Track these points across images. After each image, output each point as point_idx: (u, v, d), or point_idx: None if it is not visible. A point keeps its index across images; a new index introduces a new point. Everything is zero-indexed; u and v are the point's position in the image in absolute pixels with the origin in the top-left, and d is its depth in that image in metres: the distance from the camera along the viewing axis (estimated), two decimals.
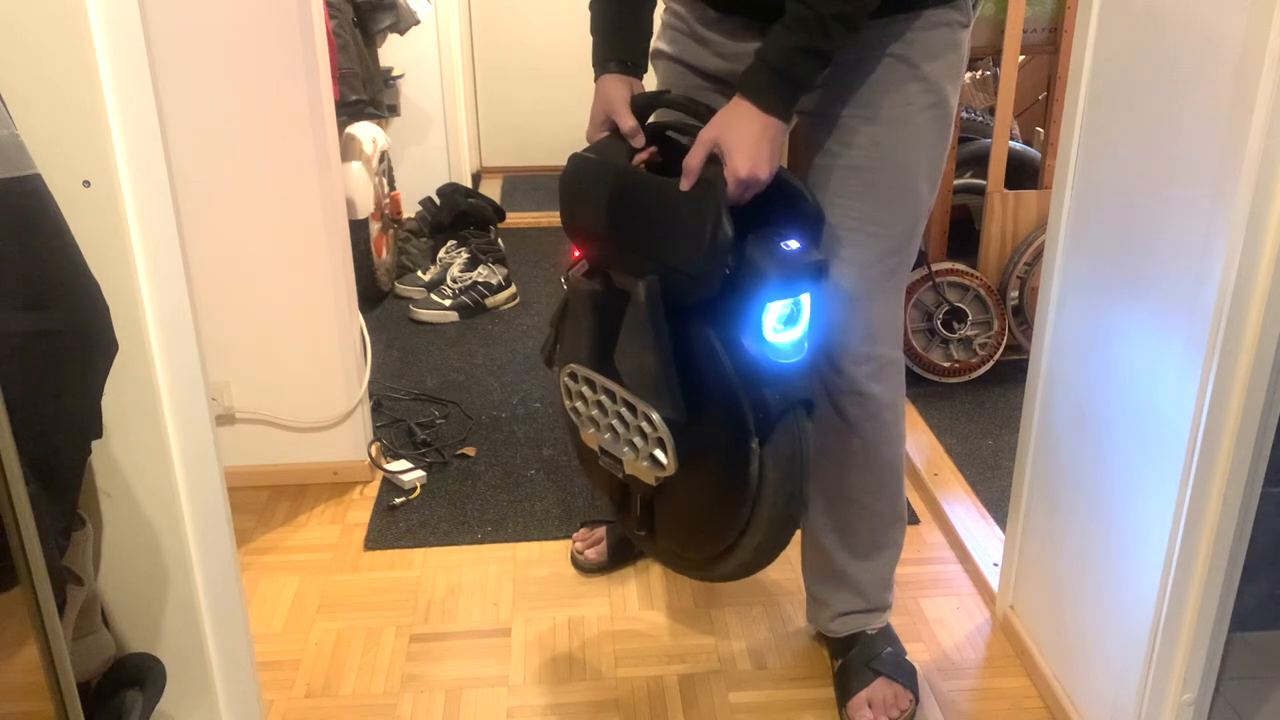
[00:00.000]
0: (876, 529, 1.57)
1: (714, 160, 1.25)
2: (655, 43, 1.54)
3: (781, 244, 1.26)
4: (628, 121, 1.38)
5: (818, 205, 1.34)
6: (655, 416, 1.34)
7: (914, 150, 1.37)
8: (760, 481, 1.33)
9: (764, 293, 1.26)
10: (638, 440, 1.40)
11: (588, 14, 1.46)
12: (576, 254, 1.48)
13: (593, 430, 1.47)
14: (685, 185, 1.27)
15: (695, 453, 1.36)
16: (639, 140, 1.39)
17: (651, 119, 1.43)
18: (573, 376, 1.46)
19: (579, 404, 1.48)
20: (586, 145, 1.44)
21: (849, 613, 1.62)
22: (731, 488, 1.35)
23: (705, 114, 1.30)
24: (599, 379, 1.42)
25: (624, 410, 1.40)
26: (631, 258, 1.35)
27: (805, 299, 1.29)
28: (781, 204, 1.30)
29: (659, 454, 1.37)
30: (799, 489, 1.35)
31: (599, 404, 1.45)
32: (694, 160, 1.25)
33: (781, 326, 1.29)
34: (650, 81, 1.50)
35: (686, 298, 1.29)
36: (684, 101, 1.37)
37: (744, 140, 1.22)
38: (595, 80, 1.43)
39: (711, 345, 1.30)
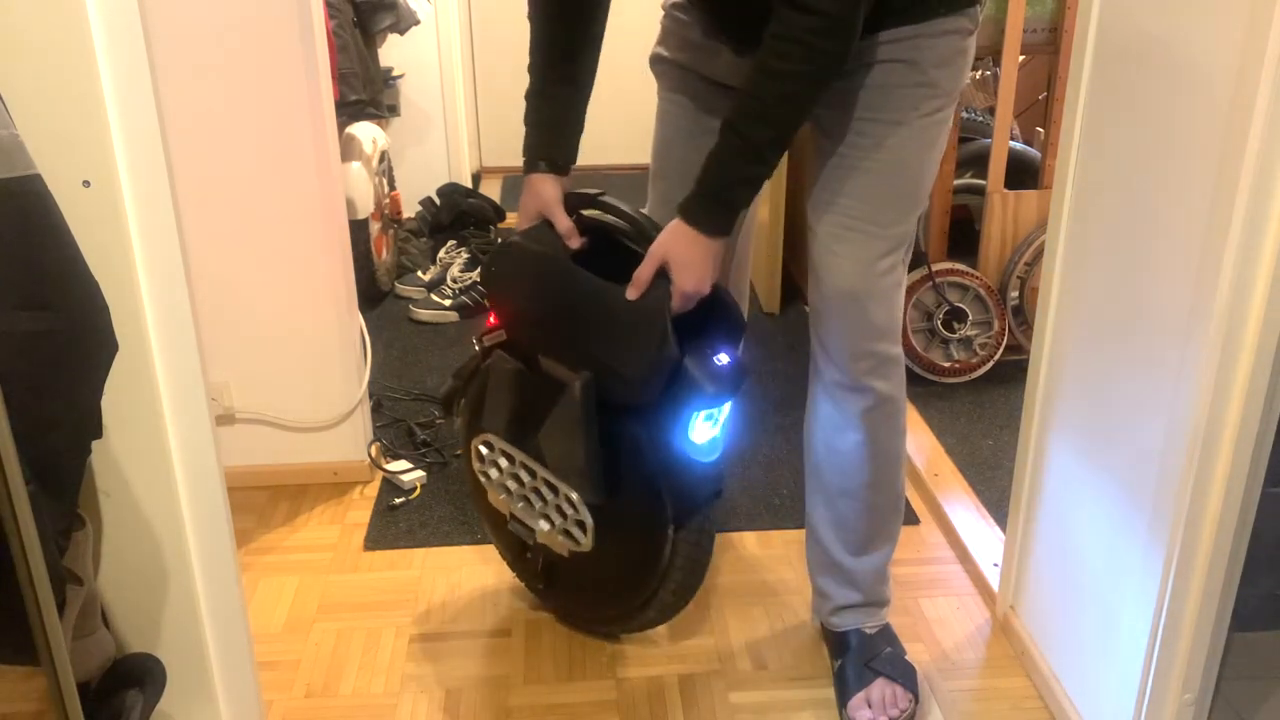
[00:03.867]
0: (874, 522, 1.58)
1: (660, 274, 1.34)
2: (655, 48, 1.57)
3: (714, 358, 1.37)
4: (564, 222, 1.47)
5: (742, 317, 1.47)
6: (577, 499, 1.46)
7: (919, 153, 1.40)
8: (670, 561, 1.50)
9: (695, 402, 1.37)
10: (555, 516, 1.52)
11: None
12: (493, 320, 1.57)
13: (504, 496, 1.57)
14: (633, 295, 1.36)
15: (610, 532, 1.49)
16: (575, 242, 1.47)
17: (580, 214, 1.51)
18: (488, 445, 1.56)
19: (491, 471, 1.59)
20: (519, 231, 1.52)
21: (846, 607, 1.62)
22: (643, 566, 1.51)
23: (646, 225, 1.39)
24: (519, 455, 1.52)
25: (543, 488, 1.52)
26: (566, 350, 1.45)
27: (726, 406, 1.42)
28: (711, 313, 1.39)
29: (576, 533, 1.50)
30: (704, 564, 1.54)
31: (515, 476, 1.55)
32: (645, 273, 1.34)
33: (703, 428, 1.41)
34: (643, 97, 1.56)
35: (620, 398, 1.40)
36: (618, 208, 1.45)
37: (690, 261, 1.32)
38: (524, 175, 1.51)
39: (639, 442, 1.43)
